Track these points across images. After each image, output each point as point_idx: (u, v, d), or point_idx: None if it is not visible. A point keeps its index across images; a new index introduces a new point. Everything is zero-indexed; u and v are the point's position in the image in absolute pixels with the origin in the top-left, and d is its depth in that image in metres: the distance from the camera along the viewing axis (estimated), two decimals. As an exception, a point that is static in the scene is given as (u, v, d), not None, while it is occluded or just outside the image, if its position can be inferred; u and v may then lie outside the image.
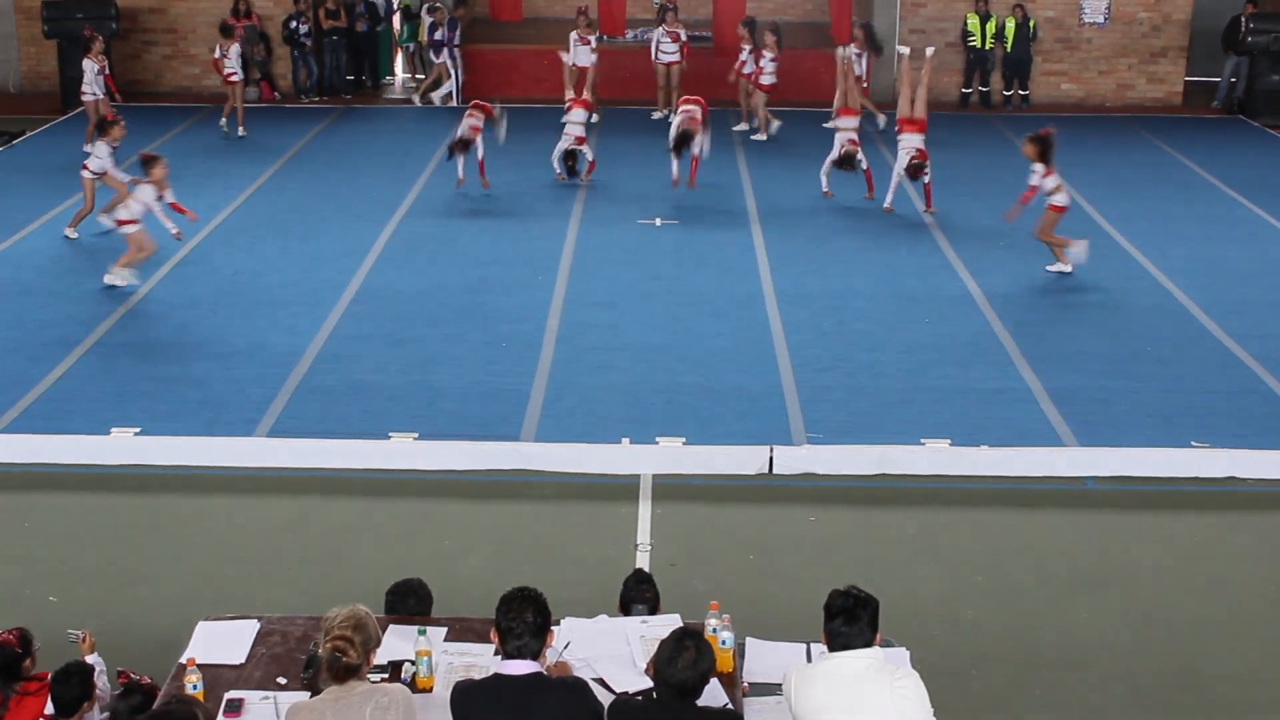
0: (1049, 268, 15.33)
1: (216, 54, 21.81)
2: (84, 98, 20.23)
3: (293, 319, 13.76)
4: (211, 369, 12.47)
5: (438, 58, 24.17)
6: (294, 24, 24.45)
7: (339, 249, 15.98)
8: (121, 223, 14.53)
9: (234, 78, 21.66)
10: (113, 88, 20.95)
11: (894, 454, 10.93)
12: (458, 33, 23.84)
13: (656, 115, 23.03)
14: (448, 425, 11.34)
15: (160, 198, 14.46)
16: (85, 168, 16.30)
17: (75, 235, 16.30)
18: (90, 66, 20.02)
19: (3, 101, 24.74)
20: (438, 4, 24.16)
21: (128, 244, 14.54)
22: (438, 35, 23.92)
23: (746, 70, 22.19)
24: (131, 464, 10.88)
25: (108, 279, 14.48)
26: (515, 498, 10.53)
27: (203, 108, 23.53)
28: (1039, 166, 15.09)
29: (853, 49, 20.87)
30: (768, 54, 21.78)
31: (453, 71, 24.16)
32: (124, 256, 14.55)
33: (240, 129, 21.60)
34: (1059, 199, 15.09)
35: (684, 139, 17.72)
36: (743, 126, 22.54)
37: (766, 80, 21.93)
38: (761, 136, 22.00)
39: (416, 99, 24.09)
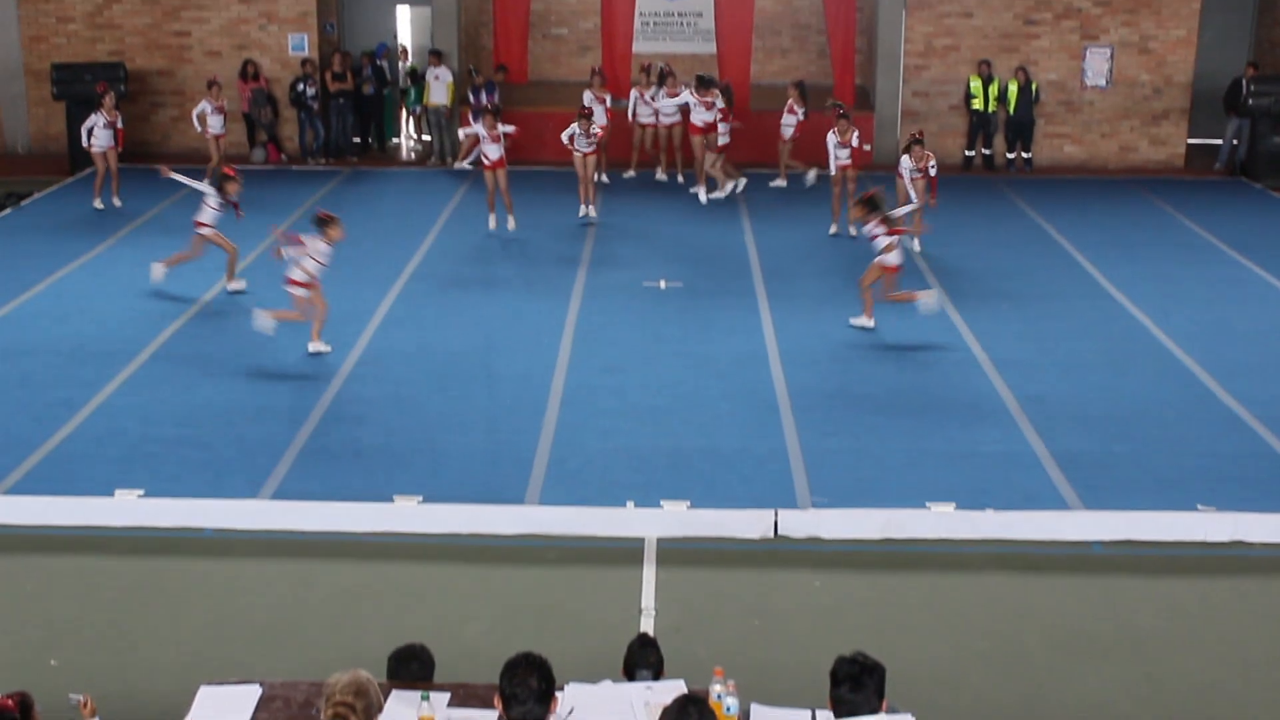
0: (852, 321, 15.66)
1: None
2: (93, 150, 20.95)
3: (298, 381, 13.77)
4: (216, 430, 12.47)
5: (475, 122, 23.76)
6: (301, 86, 24.63)
7: (344, 311, 15.99)
8: (296, 284, 14.40)
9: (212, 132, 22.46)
10: (120, 143, 21.29)
11: (899, 518, 10.90)
12: (496, 95, 23.83)
13: (661, 176, 23.18)
14: (452, 488, 11.32)
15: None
16: (200, 223, 16.59)
17: (162, 276, 16.70)
18: (97, 119, 20.75)
19: (11, 163, 24.89)
20: (477, 68, 24.33)
21: (294, 305, 14.50)
22: (480, 98, 23.84)
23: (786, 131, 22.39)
24: (135, 526, 10.86)
25: (313, 347, 14.51)
26: (519, 562, 10.50)
27: (209, 169, 23.60)
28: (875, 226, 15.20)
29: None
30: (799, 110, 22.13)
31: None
32: (282, 314, 14.63)
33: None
34: (891, 259, 15.29)
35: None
36: (780, 183, 22.75)
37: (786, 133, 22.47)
38: (781, 183, 22.61)
39: (463, 163, 23.66)
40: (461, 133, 21.30)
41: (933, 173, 18.37)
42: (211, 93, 22.32)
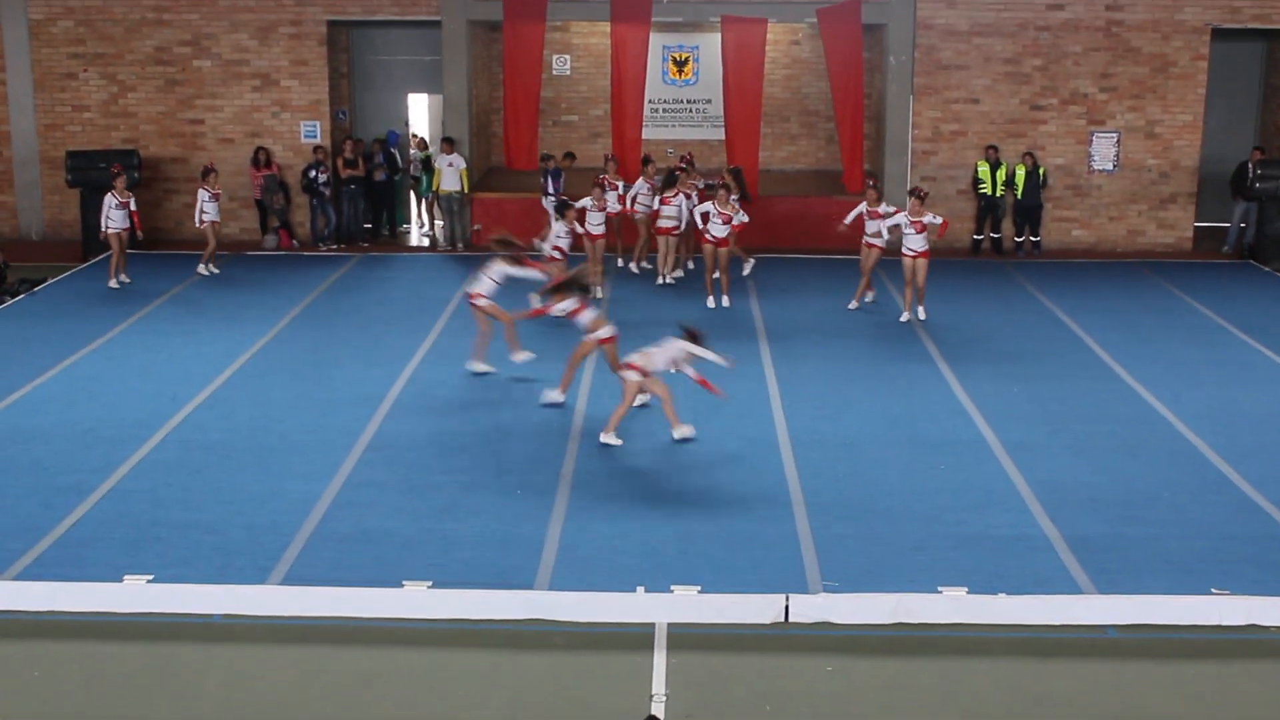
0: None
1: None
2: (108, 231, 21.44)
3: (307, 465, 13.77)
4: (225, 515, 12.45)
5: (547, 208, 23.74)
6: (313, 173, 24.83)
7: (354, 395, 16.04)
8: (632, 366, 14.46)
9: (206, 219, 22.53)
10: (137, 225, 21.72)
11: (911, 602, 10.84)
12: (561, 182, 24.00)
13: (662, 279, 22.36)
14: (461, 573, 11.28)
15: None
16: (477, 295, 16.88)
17: (486, 368, 16.95)
18: (110, 200, 21.28)
19: (26, 249, 25.04)
20: (551, 154, 24.47)
21: (624, 396, 14.57)
22: (550, 188, 23.93)
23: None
24: (143, 612, 10.82)
25: (604, 438, 14.50)
26: (529, 647, 10.44)
27: (222, 255, 23.75)
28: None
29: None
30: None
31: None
32: (619, 409, 14.57)
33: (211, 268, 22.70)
34: (604, 331, 15.64)
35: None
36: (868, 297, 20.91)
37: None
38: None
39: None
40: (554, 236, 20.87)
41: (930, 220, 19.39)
42: (208, 181, 22.51)
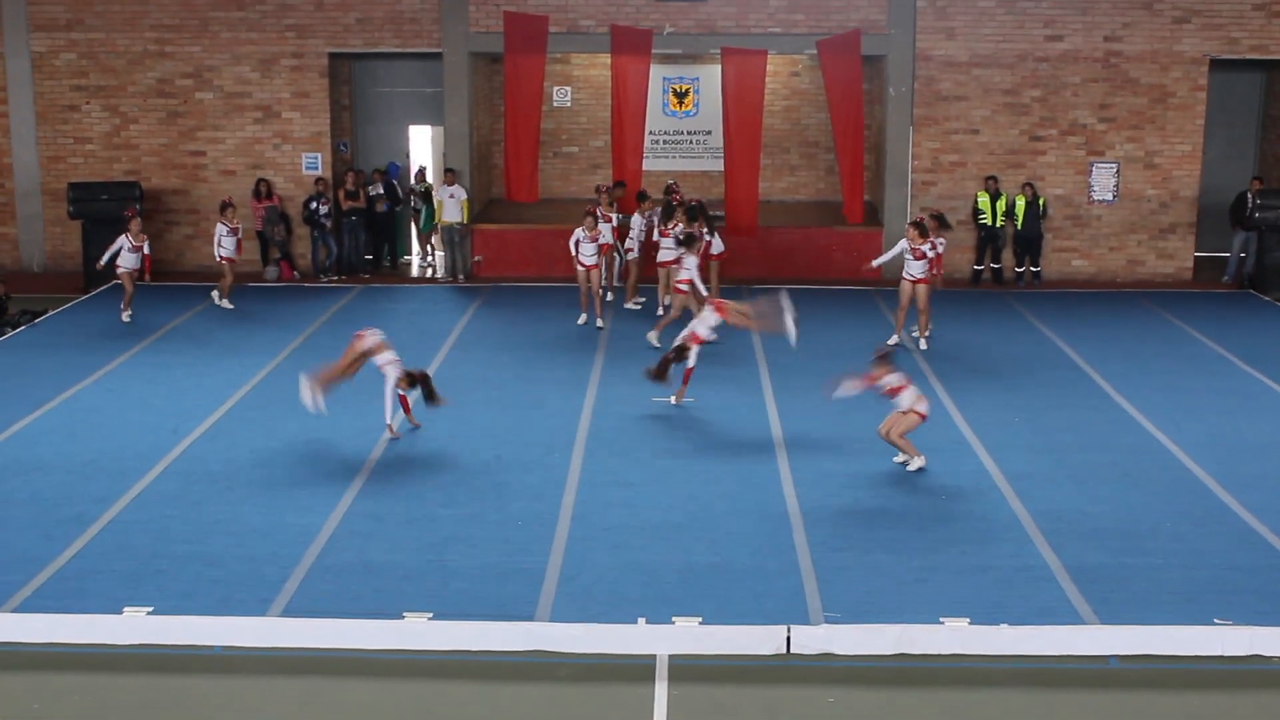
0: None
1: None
2: (118, 270, 21.35)
3: (307, 497, 13.76)
4: (226, 547, 12.44)
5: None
6: (314, 204, 24.89)
7: (355, 427, 16.03)
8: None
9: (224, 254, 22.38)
10: (147, 268, 21.65)
11: (913, 633, 10.81)
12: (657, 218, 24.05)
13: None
14: (462, 605, 11.26)
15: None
16: (695, 339, 16.93)
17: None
18: (124, 242, 21.16)
19: (27, 281, 25.08)
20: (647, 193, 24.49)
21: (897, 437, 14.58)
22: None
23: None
24: (143, 644, 10.80)
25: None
26: (530, 679, 10.41)
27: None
28: None
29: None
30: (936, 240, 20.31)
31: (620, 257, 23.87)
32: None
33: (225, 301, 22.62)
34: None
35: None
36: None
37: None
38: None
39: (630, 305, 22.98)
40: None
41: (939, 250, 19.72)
42: (225, 215, 22.50)
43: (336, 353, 19.44)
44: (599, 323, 20.93)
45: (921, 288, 19.70)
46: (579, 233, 21.05)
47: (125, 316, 21.25)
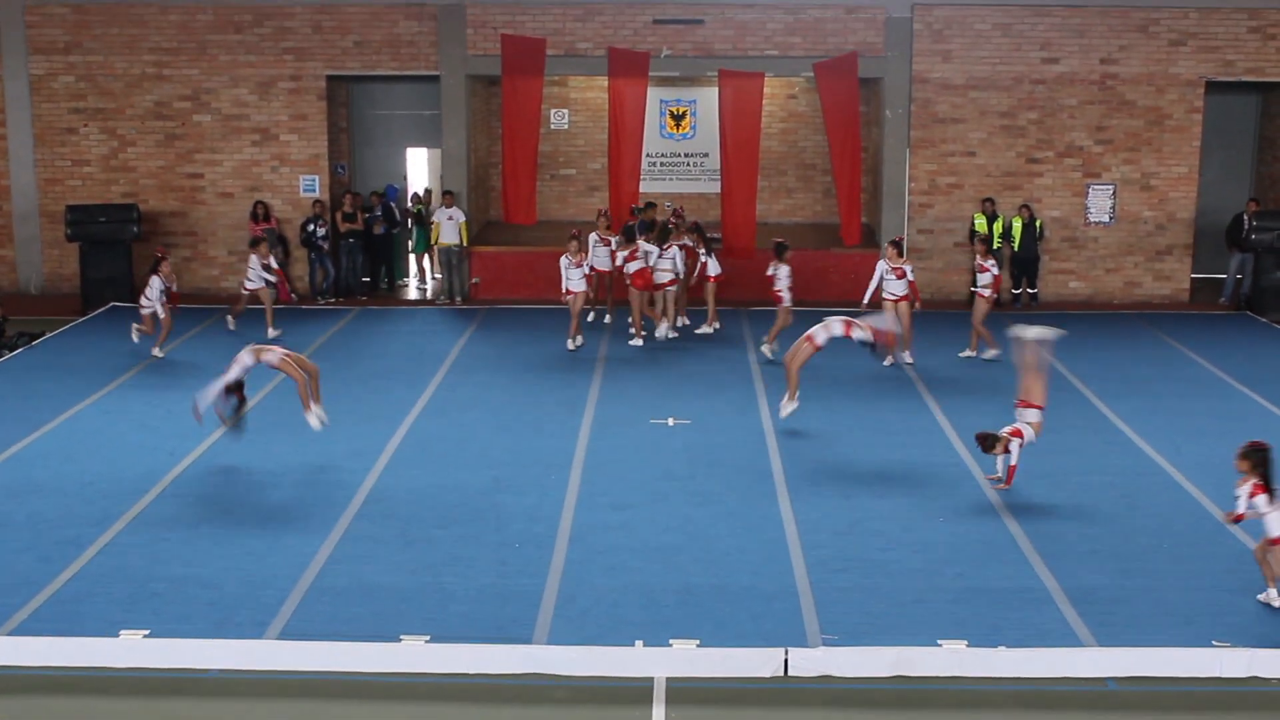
0: None
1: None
2: (143, 309, 20.81)
3: (304, 520, 13.75)
4: (222, 570, 12.42)
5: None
6: (311, 227, 24.92)
7: (352, 449, 16.03)
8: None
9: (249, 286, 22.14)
10: (175, 301, 21.28)
11: (911, 655, 10.79)
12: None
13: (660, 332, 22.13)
14: (459, 627, 11.25)
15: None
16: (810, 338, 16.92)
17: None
18: (157, 284, 20.56)
19: (25, 303, 25.09)
20: None
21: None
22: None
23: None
24: (139, 667, 10.77)
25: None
26: (528, 701, 10.39)
27: (221, 308, 23.84)
28: None
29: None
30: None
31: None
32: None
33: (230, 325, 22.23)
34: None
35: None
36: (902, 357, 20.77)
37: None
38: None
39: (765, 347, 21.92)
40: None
41: (910, 277, 20.03)
42: (260, 250, 22.11)
43: (333, 374, 19.53)
44: (576, 341, 20.95)
45: (903, 306, 20.13)
46: (564, 259, 20.98)
47: (157, 351, 20.59)
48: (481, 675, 10.70)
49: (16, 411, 17.46)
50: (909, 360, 20.00)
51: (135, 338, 21.13)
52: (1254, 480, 11.62)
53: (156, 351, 20.67)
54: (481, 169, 27.97)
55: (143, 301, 20.86)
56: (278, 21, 25.26)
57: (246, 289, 22.25)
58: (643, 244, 21.33)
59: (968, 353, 20.90)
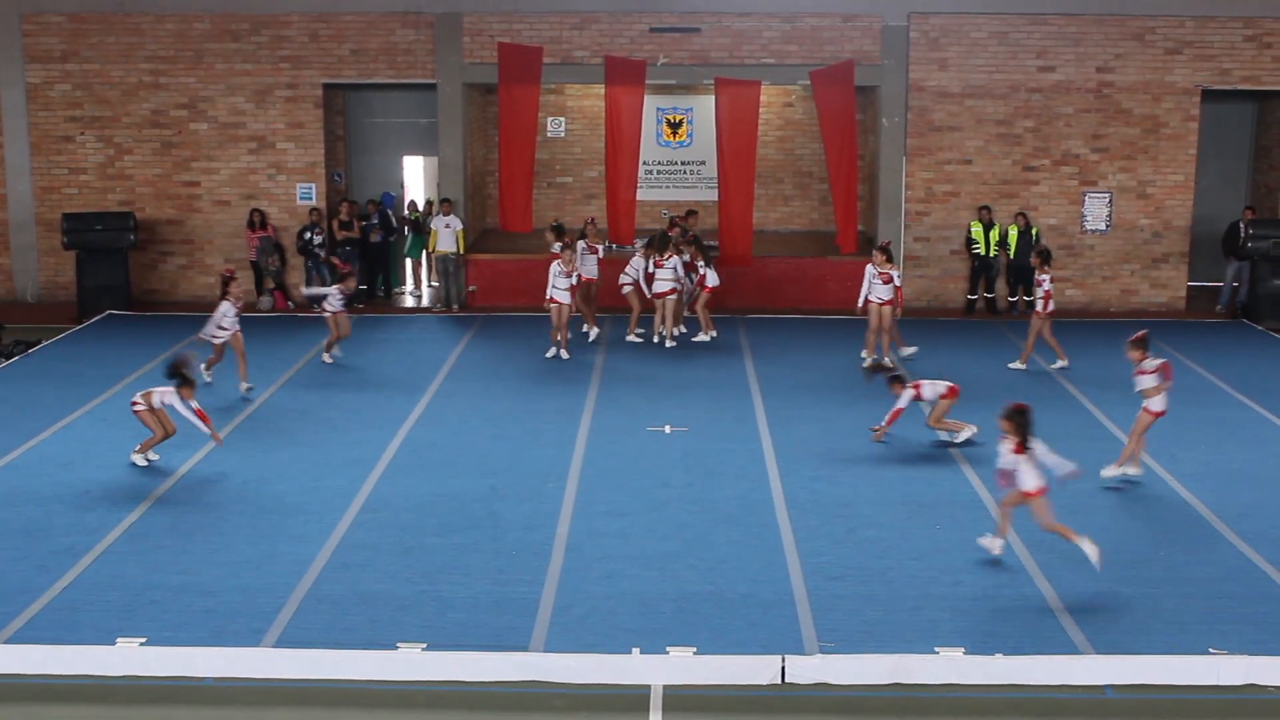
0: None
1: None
2: (215, 338, 18.90)
3: (301, 527, 13.73)
4: (219, 578, 12.41)
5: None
6: (308, 234, 24.92)
7: (349, 457, 16.02)
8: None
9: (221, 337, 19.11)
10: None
11: (908, 663, 10.79)
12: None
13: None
14: (456, 635, 11.23)
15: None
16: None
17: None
18: (228, 309, 18.78)
19: (21, 311, 25.09)
20: None
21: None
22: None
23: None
24: (136, 675, 10.75)
25: None
26: (525, 710, 10.38)
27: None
28: None
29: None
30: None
31: None
32: None
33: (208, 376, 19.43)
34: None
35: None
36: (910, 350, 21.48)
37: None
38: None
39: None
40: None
41: (897, 282, 20.38)
42: (231, 289, 19.33)
43: (330, 382, 19.52)
44: (562, 353, 20.92)
45: (887, 309, 20.44)
46: (555, 266, 20.94)
47: (208, 377, 19.08)
48: (478, 683, 10.68)
49: (12, 420, 17.44)
50: (906, 352, 20.51)
51: (208, 377, 19.07)
52: (1015, 439, 12.67)
53: (245, 386, 18.89)
54: (478, 177, 27.98)
55: (215, 331, 18.80)
56: (274, 30, 25.29)
57: (217, 338, 19.07)
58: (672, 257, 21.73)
59: (1060, 363, 20.81)
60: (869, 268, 20.55)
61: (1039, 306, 20.46)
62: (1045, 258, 20.78)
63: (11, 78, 25.41)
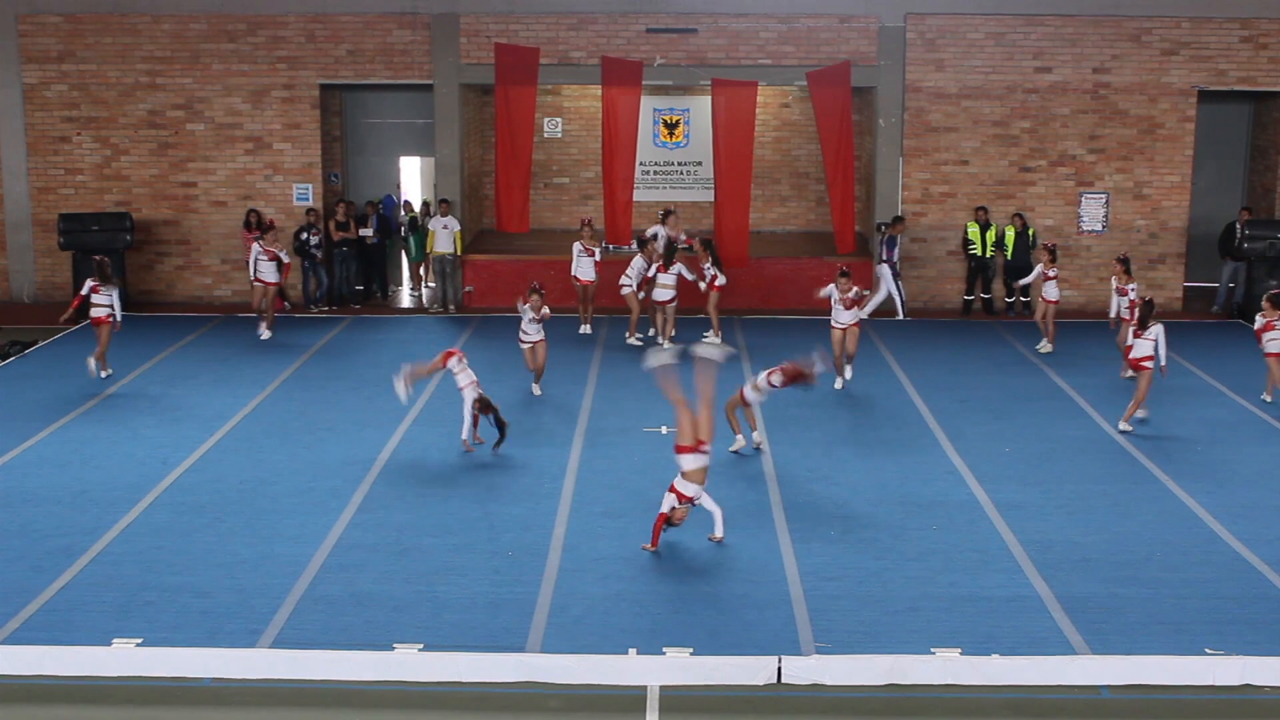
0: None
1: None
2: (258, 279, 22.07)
3: (298, 528, 13.73)
4: (215, 578, 12.40)
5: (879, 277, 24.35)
6: (305, 235, 24.90)
7: (345, 457, 16.02)
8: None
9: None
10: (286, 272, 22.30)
11: (904, 664, 10.80)
12: (896, 250, 24.59)
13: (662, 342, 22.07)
14: (453, 636, 11.23)
15: None
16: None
17: None
18: (256, 250, 21.91)
19: (17, 311, 25.07)
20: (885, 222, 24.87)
21: None
22: (883, 255, 24.56)
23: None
24: (132, 676, 10.75)
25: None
26: (521, 710, 10.38)
27: (214, 317, 23.85)
28: None
29: None
30: None
31: (892, 289, 24.66)
32: None
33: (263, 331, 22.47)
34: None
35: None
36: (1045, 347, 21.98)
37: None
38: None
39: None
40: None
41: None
42: (267, 238, 22.50)
43: (326, 383, 19.53)
44: (536, 390, 20.07)
45: (852, 331, 19.48)
46: (525, 310, 18.90)
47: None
48: (475, 684, 10.69)
49: (8, 420, 17.43)
50: (848, 376, 19.65)
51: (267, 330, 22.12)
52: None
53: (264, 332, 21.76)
54: (475, 178, 27.98)
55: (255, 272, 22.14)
56: (271, 31, 25.28)
57: (259, 280, 22.43)
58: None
59: (1045, 346, 21.63)
60: (830, 288, 19.55)
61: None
62: (1053, 254, 21.31)
63: (8, 78, 25.39)
